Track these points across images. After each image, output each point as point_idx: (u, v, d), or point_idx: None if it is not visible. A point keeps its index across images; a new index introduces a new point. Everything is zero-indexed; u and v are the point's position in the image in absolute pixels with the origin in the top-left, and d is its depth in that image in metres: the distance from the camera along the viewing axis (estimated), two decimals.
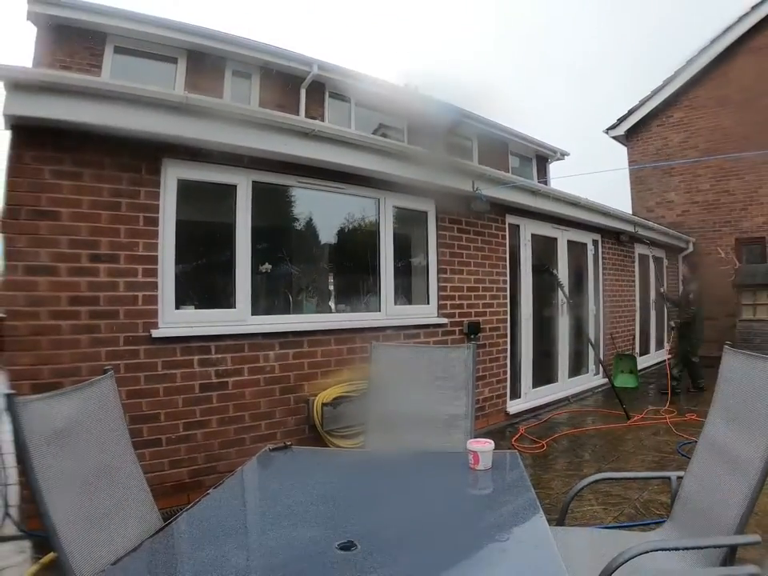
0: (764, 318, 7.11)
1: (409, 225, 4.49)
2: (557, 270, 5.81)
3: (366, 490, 1.70)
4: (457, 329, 4.55)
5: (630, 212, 9.14)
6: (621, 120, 9.94)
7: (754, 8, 8.29)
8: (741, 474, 1.46)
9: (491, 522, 1.41)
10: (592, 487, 3.00)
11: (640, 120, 9.68)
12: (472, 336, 4.58)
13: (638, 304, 7.81)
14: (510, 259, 5.17)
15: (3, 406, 1.20)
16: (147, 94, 2.73)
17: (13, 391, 1.19)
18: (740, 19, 8.40)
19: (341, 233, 4.22)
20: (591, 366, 6.63)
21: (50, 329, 2.63)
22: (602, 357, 6.64)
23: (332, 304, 4.17)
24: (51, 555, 1.98)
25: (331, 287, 4.24)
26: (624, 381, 6.69)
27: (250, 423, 3.27)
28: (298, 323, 3.55)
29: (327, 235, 4.18)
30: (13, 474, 2.99)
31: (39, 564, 2.28)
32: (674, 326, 6.48)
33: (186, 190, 3.10)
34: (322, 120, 7.36)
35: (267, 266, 3.46)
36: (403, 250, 4.38)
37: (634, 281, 7.68)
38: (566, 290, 5.83)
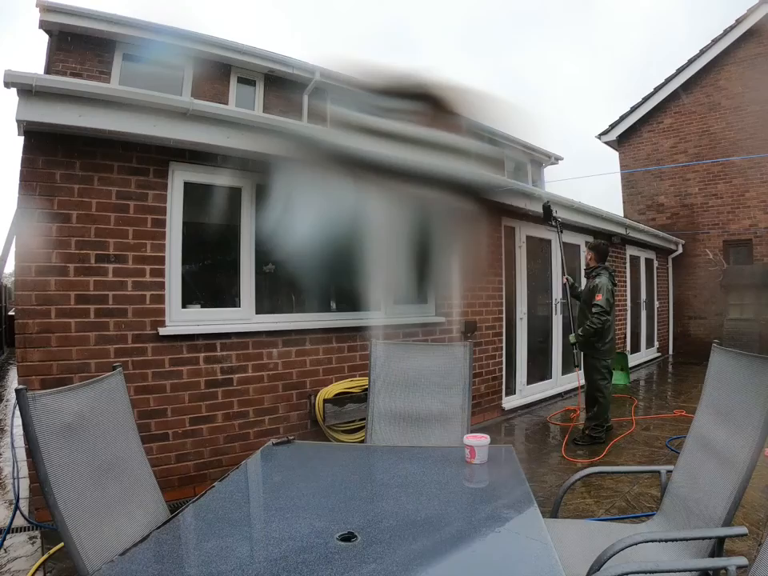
0: (751, 317, 7.28)
1: None
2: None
3: (366, 483, 1.73)
4: (454, 327, 4.64)
5: (622, 215, 9.32)
6: (612, 126, 10.11)
7: (738, 21, 8.53)
8: (728, 468, 1.48)
9: (487, 514, 1.44)
10: (585, 481, 3.08)
11: (631, 126, 9.86)
12: (469, 334, 4.67)
13: (628, 304, 7.94)
14: (505, 260, 5.30)
15: (15, 400, 1.23)
16: (154, 100, 2.82)
17: (23, 386, 1.20)
18: (726, 32, 8.65)
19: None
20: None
21: (59, 326, 2.69)
22: None
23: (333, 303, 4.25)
24: (60, 546, 2.05)
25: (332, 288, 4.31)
26: (616, 378, 6.82)
27: (254, 418, 3.33)
28: (301, 322, 3.61)
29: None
30: (24, 467, 3.05)
31: (49, 554, 2.32)
32: (573, 341, 4.32)
33: (192, 192, 3.17)
34: None
35: (271, 266, 3.54)
36: None
37: (625, 281, 7.81)
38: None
